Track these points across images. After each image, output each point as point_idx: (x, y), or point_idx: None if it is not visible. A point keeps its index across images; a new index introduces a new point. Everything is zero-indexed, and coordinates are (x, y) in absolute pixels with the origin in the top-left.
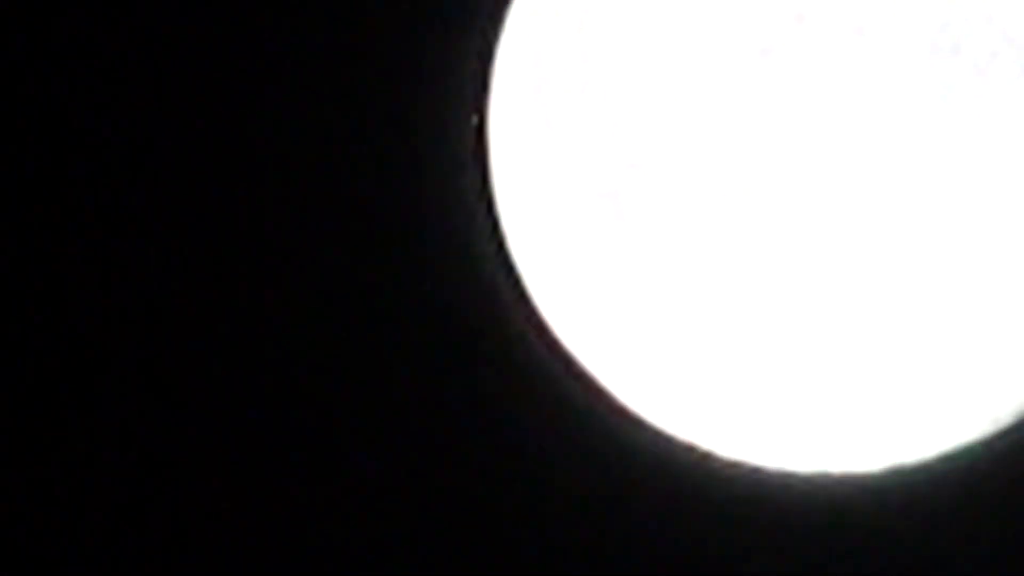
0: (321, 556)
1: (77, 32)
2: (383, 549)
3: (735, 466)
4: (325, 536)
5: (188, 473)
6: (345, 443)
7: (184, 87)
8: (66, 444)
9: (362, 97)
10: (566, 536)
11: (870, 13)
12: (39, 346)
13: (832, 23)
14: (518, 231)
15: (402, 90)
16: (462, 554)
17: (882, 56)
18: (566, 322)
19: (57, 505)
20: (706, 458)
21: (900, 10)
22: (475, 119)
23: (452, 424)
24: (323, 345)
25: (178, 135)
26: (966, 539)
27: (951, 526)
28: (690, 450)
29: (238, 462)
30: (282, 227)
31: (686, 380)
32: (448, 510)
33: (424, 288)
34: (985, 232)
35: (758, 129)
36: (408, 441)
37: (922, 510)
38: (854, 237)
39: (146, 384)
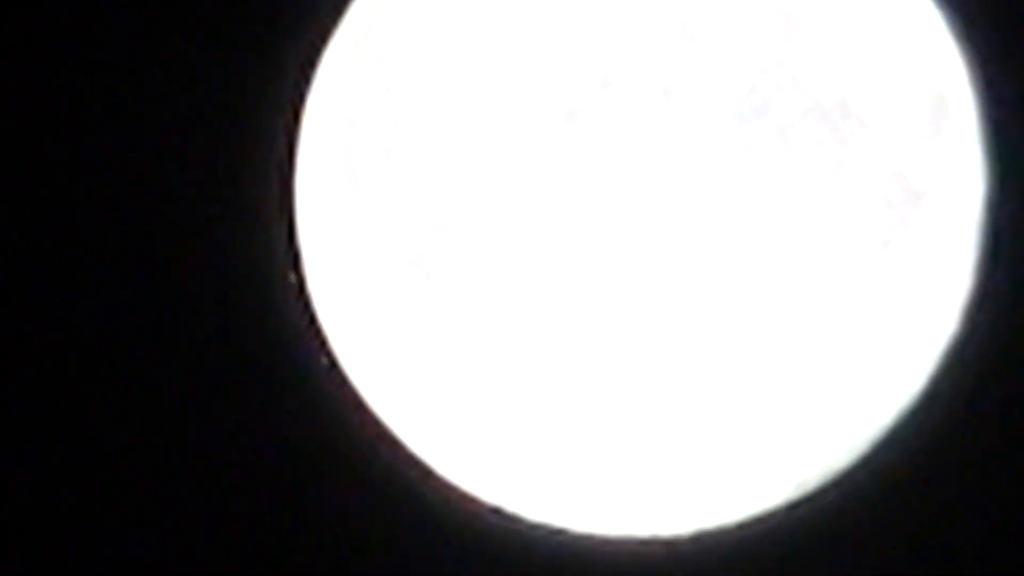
0: None
1: None
2: None
3: (540, 528)
4: None
5: None
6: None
7: None
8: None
9: (169, 155)
10: None
11: (677, 77)
12: None
13: (639, 86)
14: (324, 293)
15: (208, 148)
16: None
17: (688, 120)
18: (373, 386)
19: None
20: (511, 520)
21: (707, 74)
22: (281, 181)
23: (253, 479)
24: (128, 394)
25: None
26: None
27: None
28: (495, 511)
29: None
30: (92, 270)
31: (492, 442)
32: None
33: (230, 350)
34: (788, 295)
35: (565, 192)
36: (209, 481)
37: (727, 574)
38: (659, 299)
39: None
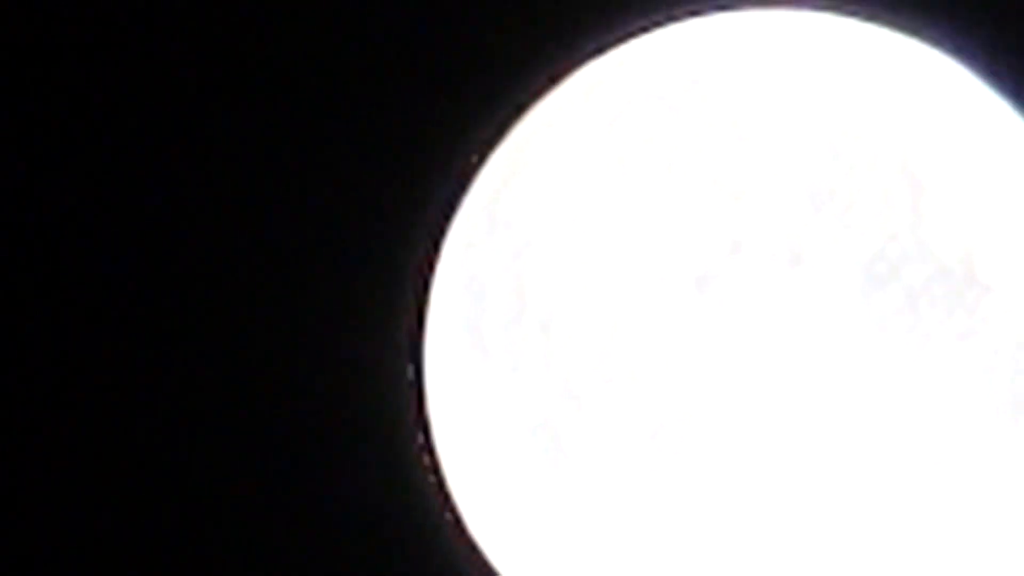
0: None
1: None
2: None
3: None
4: None
5: None
6: None
7: None
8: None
9: (300, 321)
10: None
11: (805, 243)
12: None
13: (768, 253)
14: (454, 460)
15: (339, 315)
16: None
17: (818, 285)
18: (497, 546)
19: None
20: None
21: (835, 241)
22: (411, 346)
23: None
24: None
25: None
26: None
27: None
28: None
29: None
30: (218, 427)
31: None
32: None
33: (357, 508)
34: (919, 465)
35: (694, 360)
36: None
37: None
38: (789, 469)
39: None
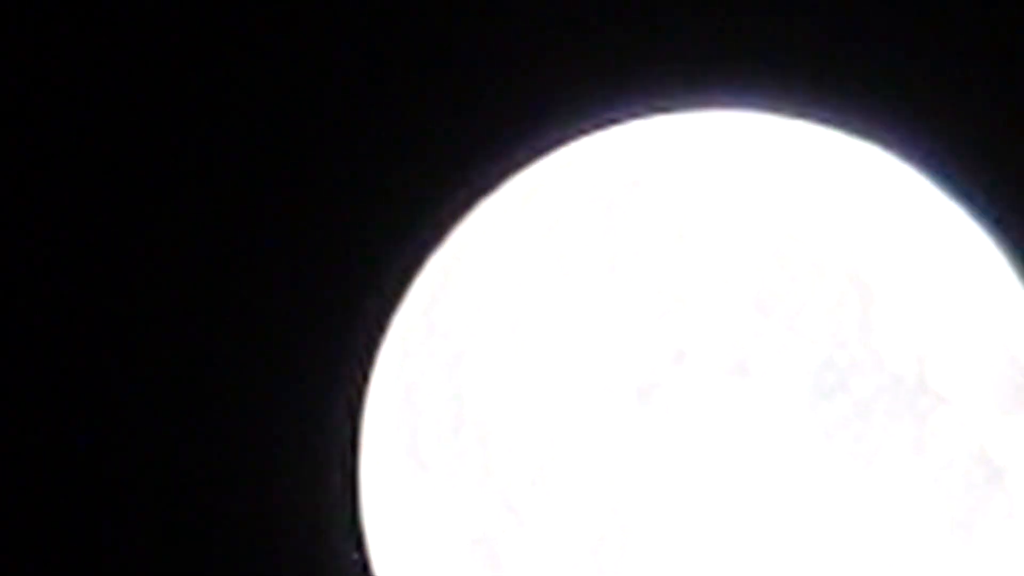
0: None
1: None
2: None
3: None
4: None
5: None
6: None
7: None
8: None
9: (232, 446)
10: None
11: (751, 351)
12: None
13: (712, 362)
14: (388, 572)
15: (272, 427)
16: None
17: (764, 395)
18: None
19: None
20: None
21: (782, 349)
22: (345, 460)
23: None
24: None
25: None
26: None
27: None
28: None
29: None
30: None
31: None
32: None
33: None
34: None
35: (635, 473)
36: None
37: None
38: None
39: None
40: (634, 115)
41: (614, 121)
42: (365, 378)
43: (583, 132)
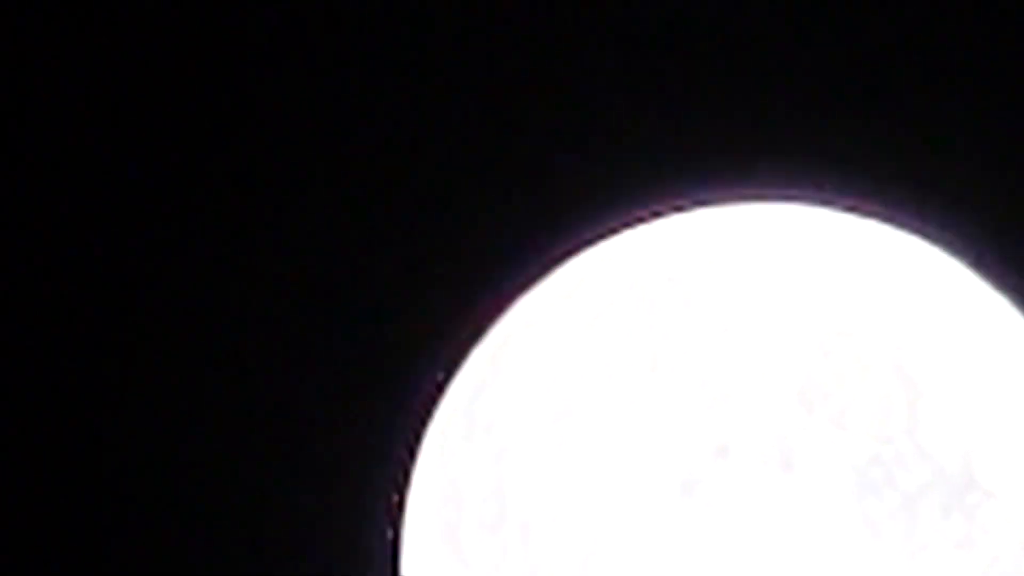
0: None
1: None
2: None
3: None
4: None
5: None
6: None
7: None
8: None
9: (278, 544)
10: None
11: (796, 446)
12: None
13: (757, 457)
14: None
15: (316, 522)
16: None
17: (809, 491)
18: None
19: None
20: None
21: (828, 444)
22: (388, 554)
23: None
24: None
25: None
26: None
27: None
28: None
29: None
30: None
31: None
32: None
33: None
34: None
35: (680, 567)
36: None
37: None
38: None
39: None
40: (678, 209)
41: (657, 215)
42: (407, 473)
43: (627, 225)
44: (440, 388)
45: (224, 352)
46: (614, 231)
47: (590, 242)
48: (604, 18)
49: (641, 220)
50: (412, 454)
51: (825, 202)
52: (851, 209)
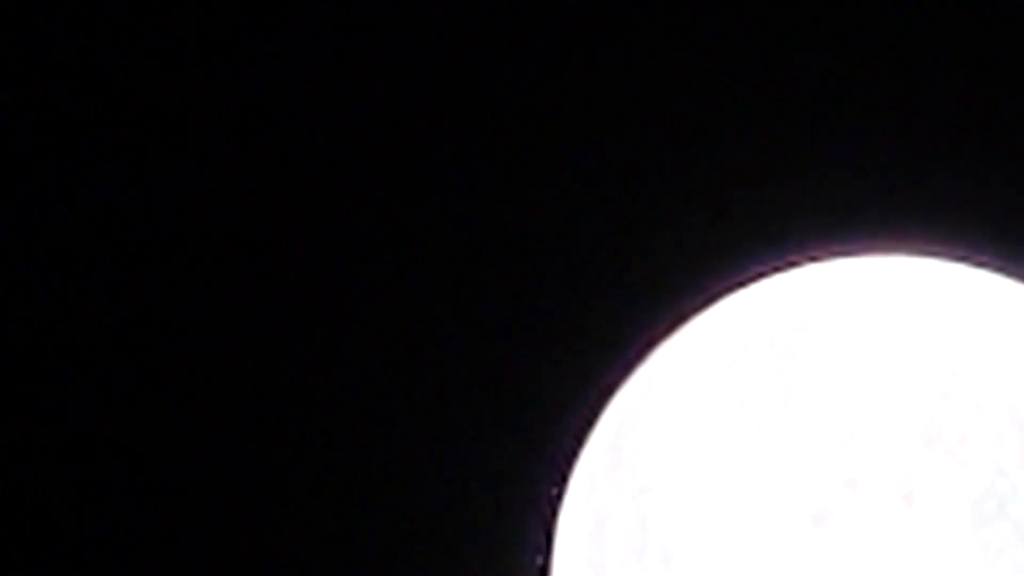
0: None
1: None
2: None
3: None
4: None
5: None
6: None
7: None
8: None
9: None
10: None
11: (917, 479)
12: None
13: (881, 491)
14: None
15: (466, 551)
16: None
17: (930, 521)
18: None
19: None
20: None
21: (947, 477)
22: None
23: None
24: None
25: None
26: None
27: None
28: None
29: None
30: None
31: None
32: None
33: None
34: None
35: None
36: None
37: None
38: None
39: None
40: (813, 259)
41: (794, 264)
42: (555, 505)
43: (763, 275)
44: (585, 430)
45: (384, 384)
46: (752, 280)
47: (728, 291)
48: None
49: (777, 270)
50: (561, 487)
51: (944, 253)
52: (968, 259)
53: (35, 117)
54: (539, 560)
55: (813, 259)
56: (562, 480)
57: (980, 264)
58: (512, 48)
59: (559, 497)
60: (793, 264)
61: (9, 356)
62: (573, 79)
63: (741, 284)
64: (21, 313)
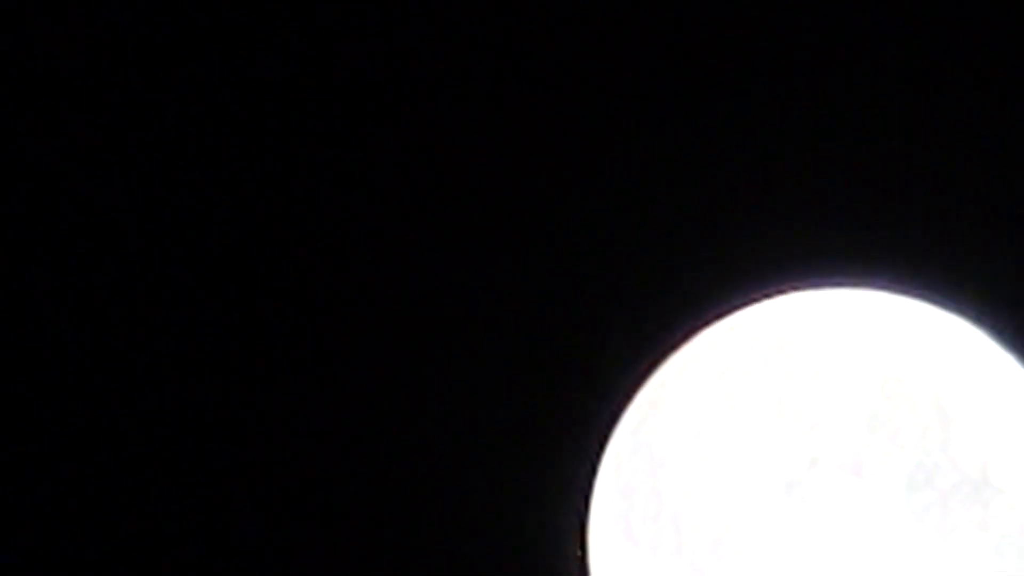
0: None
1: None
2: None
3: None
4: None
5: None
6: None
7: None
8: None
9: (491, 519)
10: None
11: (864, 457)
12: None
13: (837, 465)
14: None
15: (526, 507)
16: None
17: (874, 490)
18: None
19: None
20: None
21: (887, 457)
22: (579, 534)
23: None
24: None
25: None
26: None
27: None
28: None
29: None
30: None
31: None
32: None
33: None
34: None
35: (788, 542)
36: None
37: None
38: None
39: None
40: (790, 290)
41: (777, 293)
42: (591, 478)
43: (752, 301)
44: (614, 419)
45: (428, 366)
46: (742, 306)
47: (729, 311)
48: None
49: (767, 296)
50: (595, 465)
51: (894, 288)
52: (907, 292)
53: (35, 117)
54: (580, 521)
55: (794, 289)
56: (596, 460)
57: (915, 296)
58: (525, 48)
59: (594, 472)
60: (778, 293)
61: (9, 356)
62: (577, 92)
63: (736, 308)
64: (21, 312)
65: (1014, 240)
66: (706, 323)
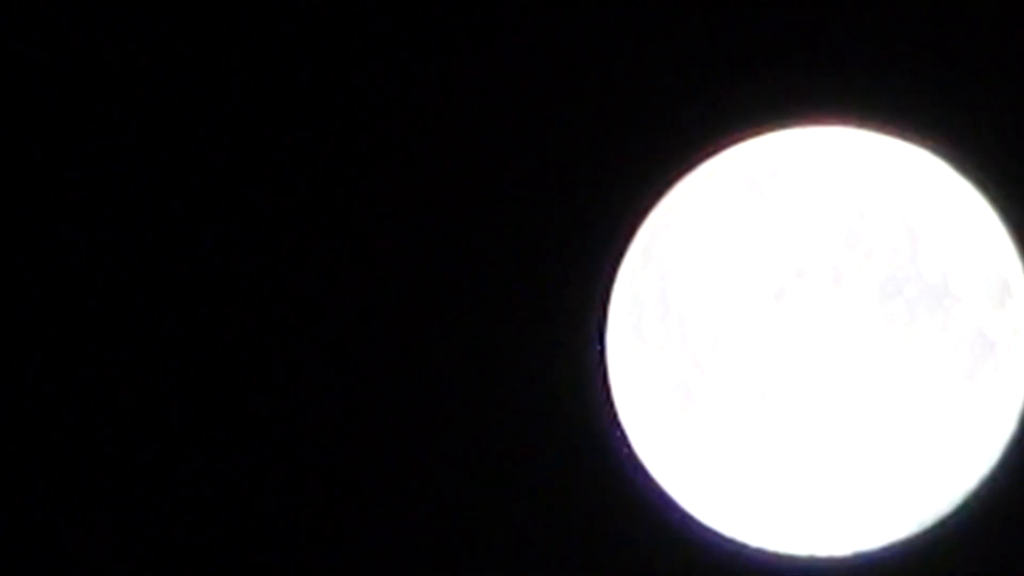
0: None
1: None
2: None
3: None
4: None
5: None
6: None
7: None
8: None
9: (516, 326)
10: None
11: (843, 269)
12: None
13: (820, 276)
14: (625, 408)
15: (547, 317)
16: None
17: (851, 297)
18: (660, 462)
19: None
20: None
21: (861, 268)
22: (598, 335)
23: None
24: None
25: None
26: None
27: None
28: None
29: None
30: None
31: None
32: None
33: (556, 467)
34: (904, 398)
35: (778, 344)
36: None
37: None
38: (835, 401)
39: None
40: (780, 127)
41: (769, 129)
42: (609, 285)
43: (747, 136)
44: (630, 234)
45: (450, 208)
46: (739, 140)
47: (727, 145)
48: None
49: (755, 134)
50: (613, 273)
51: (868, 124)
52: (883, 130)
53: (35, 117)
54: (600, 322)
55: (784, 126)
56: (614, 271)
57: (888, 133)
58: None
59: (612, 279)
60: (769, 130)
61: (9, 356)
62: None
63: (734, 142)
64: (21, 313)
65: (974, 82)
66: (708, 155)
